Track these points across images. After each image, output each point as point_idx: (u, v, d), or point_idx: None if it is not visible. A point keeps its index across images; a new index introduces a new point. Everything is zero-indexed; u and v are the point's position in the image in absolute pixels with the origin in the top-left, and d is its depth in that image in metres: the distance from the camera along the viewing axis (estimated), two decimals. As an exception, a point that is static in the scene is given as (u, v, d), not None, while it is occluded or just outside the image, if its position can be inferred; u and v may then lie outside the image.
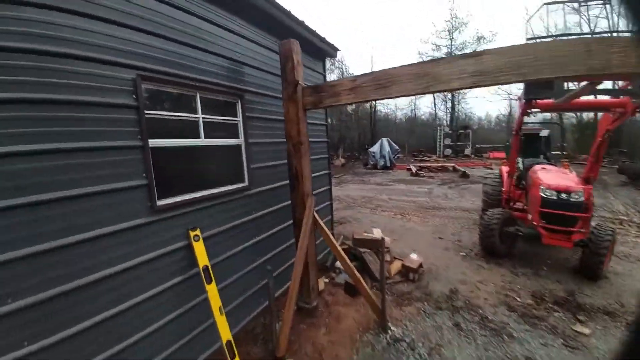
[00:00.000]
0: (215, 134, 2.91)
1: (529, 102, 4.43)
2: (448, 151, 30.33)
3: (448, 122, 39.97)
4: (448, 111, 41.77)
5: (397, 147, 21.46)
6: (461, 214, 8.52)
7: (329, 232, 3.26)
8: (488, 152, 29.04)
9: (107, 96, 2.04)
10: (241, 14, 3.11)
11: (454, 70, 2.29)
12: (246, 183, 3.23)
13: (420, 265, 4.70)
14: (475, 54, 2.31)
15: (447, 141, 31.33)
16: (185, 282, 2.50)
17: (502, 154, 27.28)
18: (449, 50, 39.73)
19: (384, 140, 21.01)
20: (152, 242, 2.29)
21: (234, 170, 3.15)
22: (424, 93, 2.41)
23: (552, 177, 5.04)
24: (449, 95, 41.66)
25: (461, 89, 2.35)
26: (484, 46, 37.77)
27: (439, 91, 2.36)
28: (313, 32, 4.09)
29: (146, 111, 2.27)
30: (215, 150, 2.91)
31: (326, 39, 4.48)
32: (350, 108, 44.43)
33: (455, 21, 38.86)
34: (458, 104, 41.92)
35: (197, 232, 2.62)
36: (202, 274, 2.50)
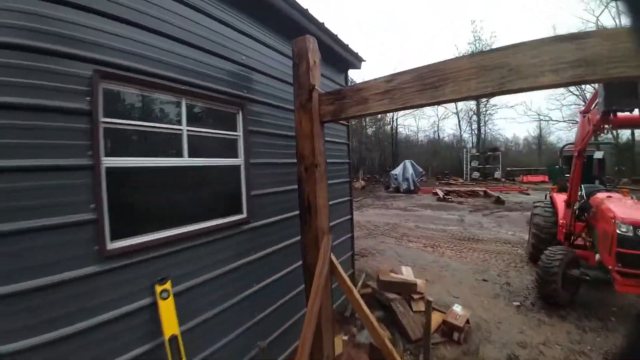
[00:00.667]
0: (205, 151, 2.28)
1: (606, 115, 3.48)
2: (476, 174, 28.69)
3: (474, 144, 38.28)
4: (474, 132, 40.15)
5: (421, 170, 20.34)
6: (503, 248, 7.30)
7: (349, 282, 2.44)
8: (521, 176, 27.21)
9: (46, 97, 1.46)
10: (247, 9, 2.57)
11: (545, 59, 1.53)
12: (244, 215, 2.53)
13: (467, 322, 3.66)
14: (575, 36, 1.54)
15: (475, 164, 29.74)
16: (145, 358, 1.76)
17: (538, 178, 25.61)
18: None
19: (407, 162, 20.02)
20: (98, 302, 1.60)
21: (228, 199, 2.47)
22: (496, 94, 1.65)
23: (627, 209, 4.06)
24: (475, 117, 40.30)
25: (554, 86, 1.56)
26: None
27: (519, 90, 1.59)
28: (334, 38, 3.51)
29: (104, 119, 1.68)
30: (203, 173, 2.26)
31: (350, 46, 3.88)
32: (370, 130, 44.10)
33: (478, 43, 38.39)
34: (484, 125, 40.31)
35: (167, 285, 1.90)
36: (168, 348, 1.75)
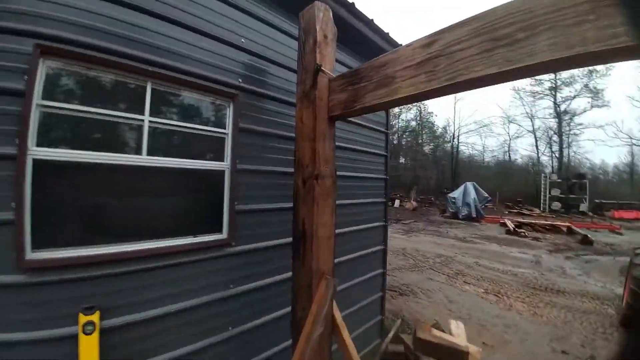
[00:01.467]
0: (177, 151, 1.78)
1: None
2: (556, 205, 23.94)
3: (554, 169, 32.35)
4: (554, 155, 34.07)
5: (486, 195, 17.67)
6: (590, 305, 5.41)
7: (354, 354, 1.62)
8: (612, 211, 21.66)
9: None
10: None
11: None
12: (224, 235, 1.95)
13: None
14: None
15: (555, 192, 24.90)
16: None
17: (632, 214, 19.96)
18: (553, 84, 33.61)
19: (469, 184, 17.63)
20: (7, 318, 1.19)
21: (204, 213, 1.92)
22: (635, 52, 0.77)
23: None
24: (555, 137, 34.27)
25: None
26: (597, 80, 30.73)
27: None
28: (369, 23, 2.82)
29: (41, 101, 1.33)
30: (172, 178, 1.76)
31: (390, 35, 3.14)
32: (428, 147, 41.11)
33: None
34: (567, 147, 33.87)
35: (94, 317, 1.40)
36: None
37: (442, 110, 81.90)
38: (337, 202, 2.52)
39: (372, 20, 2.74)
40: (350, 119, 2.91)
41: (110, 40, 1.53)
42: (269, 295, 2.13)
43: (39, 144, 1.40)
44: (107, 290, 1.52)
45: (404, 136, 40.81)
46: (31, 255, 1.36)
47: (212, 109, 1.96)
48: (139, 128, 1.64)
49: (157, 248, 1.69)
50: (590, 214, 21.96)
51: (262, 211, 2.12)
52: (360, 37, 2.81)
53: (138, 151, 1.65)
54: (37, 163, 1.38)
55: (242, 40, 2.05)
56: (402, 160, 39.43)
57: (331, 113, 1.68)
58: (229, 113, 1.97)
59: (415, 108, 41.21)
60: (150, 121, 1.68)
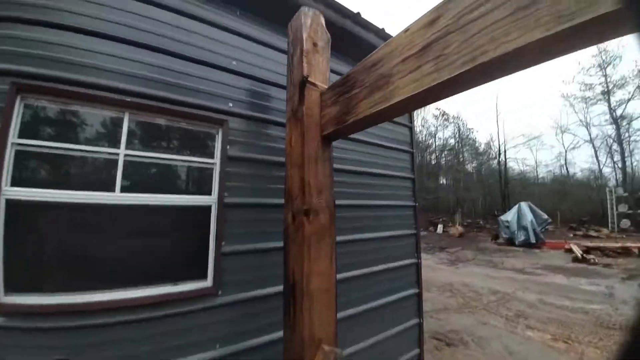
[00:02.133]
0: (155, 185, 1.58)
1: None
2: (625, 223, 20.17)
3: (619, 182, 27.56)
4: (617, 166, 29.25)
5: (545, 216, 15.41)
6: None
7: None
8: None
9: None
10: (238, 3, 1.97)
11: None
12: (208, 282, 1.64)
13: None
14: None
15: (623, 208, 21.07)
16: None
17: None
18: (605, 88, 29.80)
19: (524, 205, 15.60)
20: None
21: (185, 255, 1.65)
22: None
23: None
24: (615, 145, 29.59)
25: None
26: None
27: None
28: (378, 32, 2.55)
29: (16, 140, 1.25)
30: (150, 215, 1.54)
31: (375, 26, 2.80)
32: (471, 166, 38.29)
33: (604, 55, 29.68)
34: (630, 156, 28.87)
35: None
36: None
37: (482, 126, 77.32)
38: (350, 236, 2.10)
39: (382, 29, 2.47)
40: (358, 136, 2.58)
41: (86, 73, 1.44)
42: (266, 358, 1.73)
43: (13, 184, 1.31)
44: (77, 343, 1.31)
45: (443, 155, 38.78)
46: (4, 298, 1.26)
47: (198, 137, 1.77)
48: (114, 163, 1.47)
49: (131, 299, 1.44)
50: None
51: (254, 252, 1.80)
52: (371, 48, 2.54)
53: (111, 188, 1.48)
54: (9, 203, 1.29)
55: (233, 62, 1.90)
56: (442, 181, 37.15)
57: (324, 131, 1.37)
58: (218, 141, 1.77)
59: (452, 125, 39.41)
60: (126, 155, 1.52)
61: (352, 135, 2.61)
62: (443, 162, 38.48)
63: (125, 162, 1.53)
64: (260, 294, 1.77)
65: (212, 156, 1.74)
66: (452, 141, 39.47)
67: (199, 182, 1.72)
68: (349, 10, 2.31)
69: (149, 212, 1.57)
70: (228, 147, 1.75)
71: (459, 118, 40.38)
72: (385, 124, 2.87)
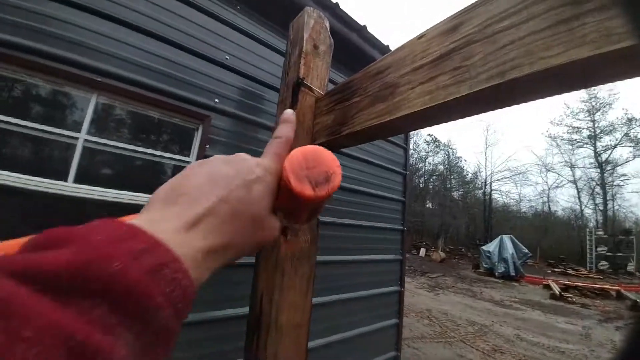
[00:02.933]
0: (119, 179, 1.38)
1: None
2: (603, 264, 21.03)
3: (599, 224, 28.70)
4: (598, 208, 30.52)
5: (525, 250, 15.66)
6: None
7: None
8: None
9: None
10: None
11: None
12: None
13: None
14: None
15: (602, 250, 21.96)
16: None
17: None
18: (592, 133, 31.49)
19: (506, 237, 15.83)
20: None
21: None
22: None
23: None
24: (598, 188, 30.98)
25: None
26: (638, 129, 28.32)
27: None
28: (381, 48, 2.47)
29: None
30: (104, 213, 1.33)
31: (376, 38, 2.75)
32: (457, 193, 39.02)
33: (595, 101, 31.63)
34: (612, 200, 30.28)
35: None
36: None
37: (471, 156, 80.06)
38: (331, 257, 1.92)
39: (387, 46, 2.40)
40: (351, 151, 2.44)
41: (52, 44, 1.25)
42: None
43: None
44: None
45: (431, 180, 39.46)
46: None
47: (175, 131, 1.58)
48: (71, 148, 1.27)
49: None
50: (638, 274, 19.08)
51: (226, 268, 1.58)
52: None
53: (63, 176, 1.26)
54: None
55: (226, 57, 1.74)
56: (428, 204, 37.59)
57: (315, 141, 1.21)
58: (196, 137, 1.59)
59: (442, 152, 40.40)
60: (86, 140, 1.31)
61: (344, 150, 2.48)
62: (431, 187, 39.10)
63: (84, 148, 1.32)
64: (227, 315, 1.54)
65: (187, 154, 1.55)
66: (441, 167, 40.33)
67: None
68: (356, 22, 2.23)
69: (104, 209, 1.36)
70: (207, 146, 1.57)
71: (449, 146, 41.50)
72: (381, 142, 2.76)
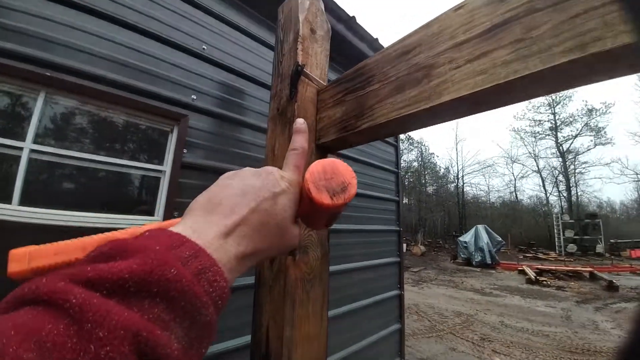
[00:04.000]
0: (79, 196, 1.10)
1: None
2: (572, 247, 22.77)
3: (564, 209, 31.17)
4: (562, 195, 33.16)
5: (499, 239, 16.47)
6: None
7: None
8: (628, 250, 21.05)
9: None
10: None
11: None
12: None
13: None
14: None
15: (569, 234, 23.78)
16: None
17: None
18: (553, 125, 34.15)
19: (480, 227, 16.56)
20: None
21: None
22: None
23: None
24: (561, 176, 33.69)
25: None
26: (597, 119, 31.27)
27: None
28: (370, 41, 2.35)
29: None
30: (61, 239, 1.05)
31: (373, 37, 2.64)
32: (431, 188, 40.48)
33: (555, 95, 34.41)
34: (575, 186, 33.06)
35: None
36: None
37: (442, 152, 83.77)
38: (333, 267, 1.75)
39: (376, 39, 2.26)
40: (343, 151, 2.28)
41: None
42: None
43: None
44: None
45: (407, 176, 40.59)
46: None
47: (145, 134, 1.32)
48: (13, 161, 0.98)
49: None
50: (607, 255, 20.92)
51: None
52: (362, 57, 2.32)
53: (6, 198, 0.97)
54: None
55: (204, 47, 1.50)
56: (405, 200, 38.63)
57: (320, 139, 1.03)
58: (171, 141, 1.34)
59: (416, 149, 41.74)
60: (33, 151, 1.03)
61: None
62: (407, 183, 40.23)
63: (31, 161, 1.04)
64: (217, 351, 1.31)
65: (161, 161, 1.30)
66: (415, 164, 41.65)
67: (140, 195, 1.26)
68: (344, 12, 2.07)
69: (60, 235, 1.08)
70: (185, 151, 1.33)
71: (421, 143, 42.97)
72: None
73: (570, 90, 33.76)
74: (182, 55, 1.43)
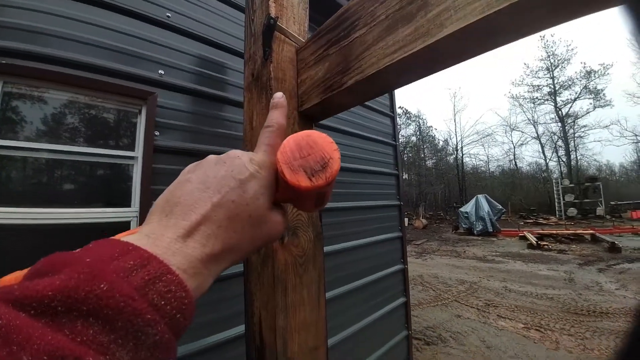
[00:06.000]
0: (41, 190, 0.99)
1: None
2: (572, 211, 23.02)
3: (564, 174, 31.24)
4: (561, 160, 33.11)
5: (499, 207, 16.59)
6: None
7: None
8: (629, 212, 21.27)
9: None
10: None
11: None
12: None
13: None
14: None
15: (569, 198, 23.93)
16: None
17: None
18: (552, 89, 33.45)
19: (481, 197, 16.63)
20: None
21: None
22: None
23: None
24: (560, 142, 33.47)
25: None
26: (596, 81, 30.55)
27: None
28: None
29: None
30: (28, 239, 0.95)
31: None
32: (430, 162, 40.37)
33: (553, 59, 33.40)
34: (575, 151, 32.94)
35: None
36: None
37: (441, 124, 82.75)
38: (329, 248, 1.68)
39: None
40: (334, 124, 2.13)
41: None
42: None
43: None
44: None
45: (405, 152, 40.36)
46: None
47: (111, 118, 1.18)
48: None
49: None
50: (608, 217, 21.18)
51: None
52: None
53: None
54: None
55: (168, 14, 1.33)
56: (405, 176, 38.64)
57: (303, 105, 0.89)
58: (140, 123, 1.20)
59: (414, 123, 41.17)
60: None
61: (326, 123, 2.16)
62: (406, 159, 40.06)
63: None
64: (213, 342, 1.25)
65: (131, 147, 1.17)
66: (413, 138, 41.26)
67: (112, 186, 1.15)
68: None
69: (29, 235, 0.98)
70: (157, 133, 1.19)
71: (419, 117, 42.28)
72: (366, 111, 2.47)
73: (569, 53, 32.70)
74: (143, 25, 1.25)
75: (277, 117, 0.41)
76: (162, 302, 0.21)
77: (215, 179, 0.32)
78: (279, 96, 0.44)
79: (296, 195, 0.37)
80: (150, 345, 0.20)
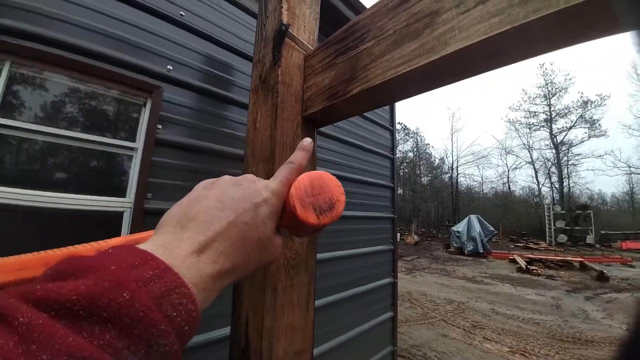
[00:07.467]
0: (38, 174, 0.98)
1: None
2: (562, 238, 23.18)
3: (555, 200, 31.71)
4: (554, 186, 33.68)
5: (491, 228, 16.70)
6: None
7: None
8: (619, 242, 21.42)
9: None
10: None
11: None
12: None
13: None
14: None
15: (560, 224, 24.19)
16: None
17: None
18: (548, 116, 34.32)
19: (473, 217, 16.74)
20: None
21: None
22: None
23: None
24: (554, 168, 34.15)
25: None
26: (592, 111, 31.47)
27: None
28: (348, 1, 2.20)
29: None
30: (22, 220, 0.94)
31: None
32: (426, 179, 40.72)
33: (551, 87, 34.39)
34: (568, 178, 33.58)
35: None
36: None
37: (438, 142, 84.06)
38: (321, 255, 1.67)
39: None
40: (335, 133, 2.16)
41: None
42: None
43: None
44: None
45: (402, 167, 40.70)
46: None
47: (116, 108, 1.19)
48: None
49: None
50: (597, 246, 21.39)
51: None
52: (341, 19, 2.18)
53: None
54: None
55: (181, 12, 1.36)
56: (400, 191, 38.83)
57: (308, 110, 0.92)
58: (144, 116, 1.21)
59: (411, 140, 41.71)
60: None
61: (328, 131, 2.19)
62: (402, 174, 40.36)
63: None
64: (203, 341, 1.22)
65: (132, 138, 1.18)
66: (410, 154, 41.70)
67: (110, 175, 1.14)
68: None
69: (23, 216, 0.97)
70: (159, 127, 1.20)
71: (417, 134, 42.91)
72: (366, 123, 2.51)
73: (567, 82, 33.74)
74: (156, 21, 1.28)
75: (301, 157, 0.44)
76: (174, 314, 0.22)
77: (232, 200, 0.33)
78: (308, 141, 0.47)
79: (299, 226, 0.40)
80: (160, 353, 0.21)
